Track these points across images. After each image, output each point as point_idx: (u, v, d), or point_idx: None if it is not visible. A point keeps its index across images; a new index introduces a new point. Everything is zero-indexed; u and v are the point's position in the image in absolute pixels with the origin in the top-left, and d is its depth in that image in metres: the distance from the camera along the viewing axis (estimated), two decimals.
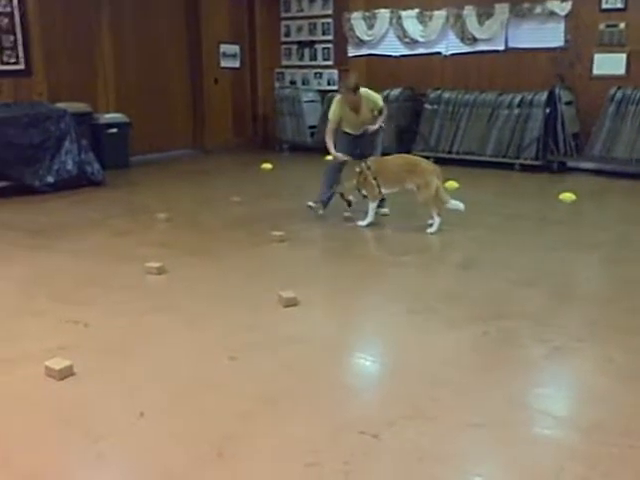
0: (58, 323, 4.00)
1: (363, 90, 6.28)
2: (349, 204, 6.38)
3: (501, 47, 9.93)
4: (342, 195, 6.36)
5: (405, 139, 10.31)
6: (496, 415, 2.87)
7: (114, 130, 9.49)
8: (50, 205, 7.43)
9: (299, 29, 11.85)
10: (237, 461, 2.58)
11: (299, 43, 11.91)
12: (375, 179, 6.13)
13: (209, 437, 2.73)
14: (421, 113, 10.34)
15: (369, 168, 6.17)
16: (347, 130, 6.44)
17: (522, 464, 2.55)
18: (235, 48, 11.95)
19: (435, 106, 10.18)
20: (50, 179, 7.93)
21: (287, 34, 12.03)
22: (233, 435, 2.75)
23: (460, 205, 6.03)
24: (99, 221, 6.62)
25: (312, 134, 11.39)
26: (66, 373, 3.27)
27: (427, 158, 9.90)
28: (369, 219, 6.22)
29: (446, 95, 10.12)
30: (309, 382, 3.24)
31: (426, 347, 3.64)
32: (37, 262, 5.27)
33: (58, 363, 3.29)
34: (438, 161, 9.83)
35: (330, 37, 11.56)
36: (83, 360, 3.40)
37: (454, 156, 9.86)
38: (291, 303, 4.20)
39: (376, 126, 6.36)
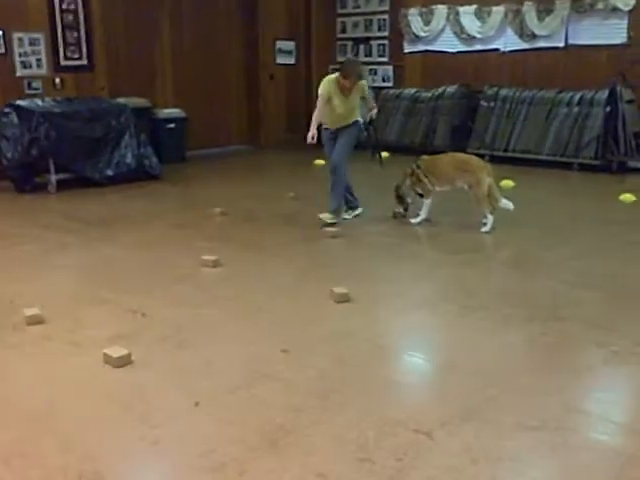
0: (117, 312, 4.11)
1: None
2: (406, 208, 6.35)
3: (561, 44, 9.71)
4: (401, 199, 6.33)
5: (460, 137, 10.19)
6: (553, 419, 2.82)
7: (172, 125, 9.67)
8: (109, 197, 7.63)
9: (355, 25, 11.84)
10: (290, 452, 2.61)
11: (354, 39, 11.90)
12: (426, 177, 6.13)
13: (263, 428, 2.77)
14: (477, 110, 10.21)
15: (419, 167, 6.19)
16: (326, 125, 6.26)
17: (578, 469, 2.50)
18: (291, 45, 12.01)
19: (492, 103, 10.03)
20: (110, 172, 8.14)
21: (343, 30, 12.03)
22: (286, 427, 2.78)
23: (510, 204, 5.96)
24: (156, 214, 6.76)
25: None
26: (124, 361, 3.36)
27: (482, 157, 9.83)
28: (422, 216, 6.19)
29: (503, 92, 9.97)
30: (360, 378, 3.25)
31: (480, 347, 3.60)
32: (97, 252, 5.42)
33: (116, 351, 3.39)
34: (493, 159, 9.71)
35: (386, 33, 11.52)
36: (140, 349, 3.49)
37: (510, 154, 9.70)
38: (343, 299, 4.22)
39: (374, 110, 6.37)
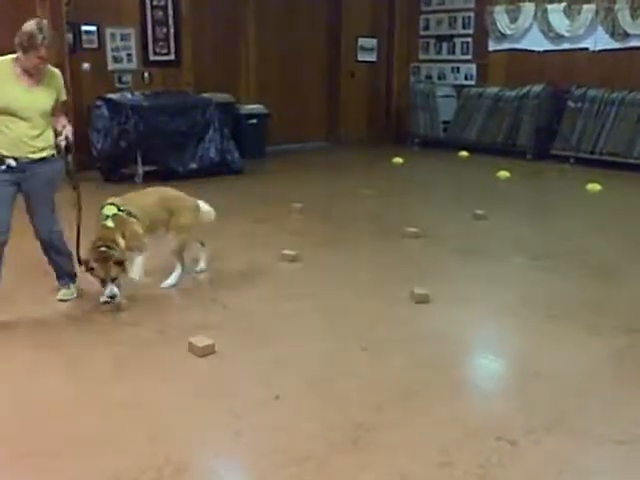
0: (199, 303, 4.22)
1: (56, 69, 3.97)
2: (114, 279, 3.99)
3: None
4: (122, 265, 4.01)
5: (544, 137, 9.93)
6: None
7: (254, 120, 9.80)
8: (192, 191, 7.72)
9: (439, 23, 11.67)
10: (370, 451, 2.61)
11: (437, 37, 11.75)
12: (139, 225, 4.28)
13: (343, 425, 2.78)
14: (563, 111, 9.91)
15: (130, 214, 4.18)
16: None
17: None
18: (373, 42, 11.97)
19: (579, 104, 9.70)
20: (193, 165, 8.34)
21: (426, 28, 11.89)
22: (366, 425, 2.78)
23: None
24: (238, 208, 6.87)
25: (445, 129, 11.24)
26: (208, 351, 3.44)
27: (567, 158, 9.64)
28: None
29: (592, 93, 9.62)
30: (440, 380, 3.22)
31: (567, 355, 3.50)
32: None
33: (201, 341, 3.47)
34: (579, 162, 9.44)
35: (470, 31, 11.31)
36: (222, 339, 3.55)
37: (597, 157, 9.38)
38: (423, 300, 4.19)
39: (68, 128, 3.92)
